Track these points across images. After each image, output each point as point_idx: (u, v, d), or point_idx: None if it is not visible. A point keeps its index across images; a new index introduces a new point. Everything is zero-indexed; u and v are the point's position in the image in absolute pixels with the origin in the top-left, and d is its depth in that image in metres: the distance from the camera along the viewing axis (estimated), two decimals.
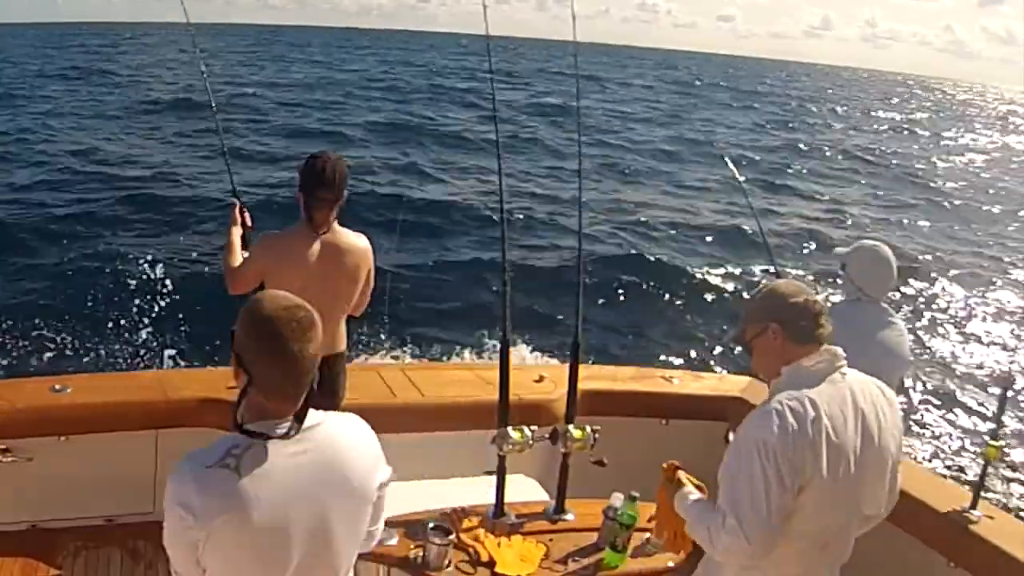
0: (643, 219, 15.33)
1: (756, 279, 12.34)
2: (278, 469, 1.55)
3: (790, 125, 34.80)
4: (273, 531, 1.55)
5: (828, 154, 26.49)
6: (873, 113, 47.67)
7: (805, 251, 14.08)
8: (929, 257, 14.84)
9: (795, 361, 1.99)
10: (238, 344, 1.59)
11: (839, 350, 2.01)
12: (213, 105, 4.27)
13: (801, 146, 27.51)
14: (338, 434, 1.65)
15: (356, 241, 3.25)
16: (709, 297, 11.73)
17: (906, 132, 38.04)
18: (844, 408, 1.95)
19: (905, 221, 18.16)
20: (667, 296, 11.55)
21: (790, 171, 22.23)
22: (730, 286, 12.19)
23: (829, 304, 2.43)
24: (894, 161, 26.45)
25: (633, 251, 13.15)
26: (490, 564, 2.40)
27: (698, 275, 12.36)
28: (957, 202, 20.75)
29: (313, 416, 1.61)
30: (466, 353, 8.46)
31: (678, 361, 8.96)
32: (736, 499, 1.92)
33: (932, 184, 23.12)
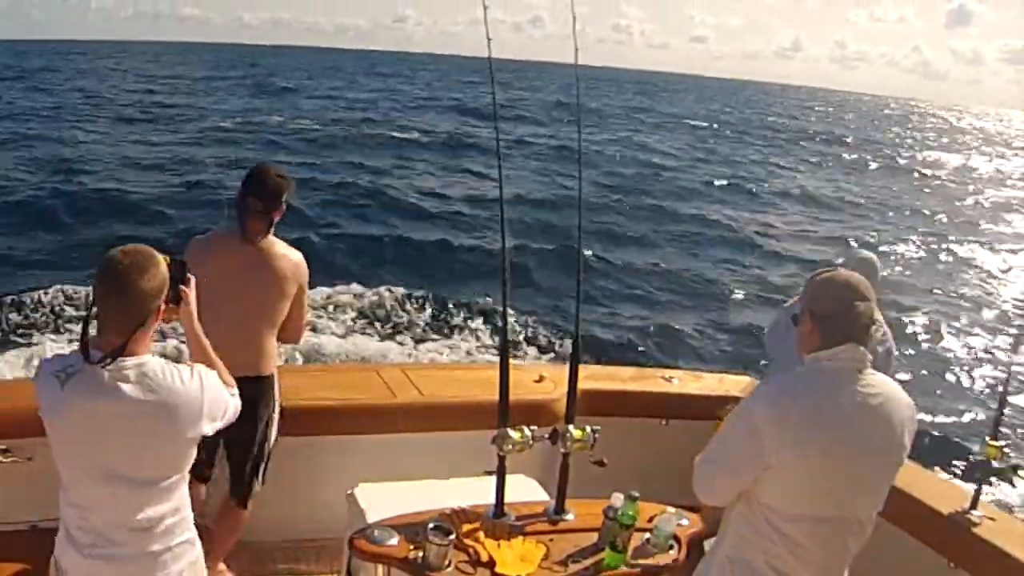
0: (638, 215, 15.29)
1: (754, 275, 12.32)
2: (97, 393, 1.81)
3: None
4: (75, 443, 1.87)
5: None
6: None
7: None
8: (928, 255, 14.82)
9: (819, 351, 2.03)
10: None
11: (864, 351, 2.01)
12: None
13: None
14: (166, 380, 1.86)
15: (288, 253, 3.12)
16: (710, 295, 11.72)
17: None
18: (852, 409, 1.98)
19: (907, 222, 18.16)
20: (668, 295, 11.53)
21: None
22: (730, 284, 12.17)
23: None
24: None
25: (631, 251, 13.13)
26: (490, 564, 2.40)
27: (700, 274, 12.34)
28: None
29: (142, 357, 1.85)
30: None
31: (678, 361, 8.96)
32: (712, 443, 2.17)
33: None
